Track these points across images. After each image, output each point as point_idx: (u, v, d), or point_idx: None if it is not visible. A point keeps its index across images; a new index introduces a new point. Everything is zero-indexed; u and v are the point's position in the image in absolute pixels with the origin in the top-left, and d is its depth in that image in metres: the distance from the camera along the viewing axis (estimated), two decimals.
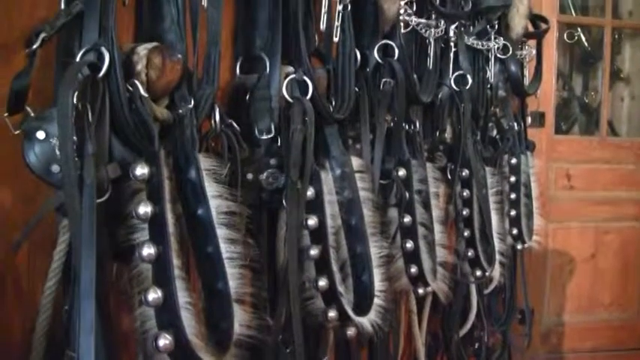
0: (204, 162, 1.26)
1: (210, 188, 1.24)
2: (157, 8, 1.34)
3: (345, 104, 1.68)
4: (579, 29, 4.15)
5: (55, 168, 1.12)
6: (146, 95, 1.20)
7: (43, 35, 1.15)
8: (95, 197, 1.08)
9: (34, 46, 1.14)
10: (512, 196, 2.58)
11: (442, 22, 2.14)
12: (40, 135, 1.13)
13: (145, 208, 1.16)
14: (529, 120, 2.91)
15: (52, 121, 1.12)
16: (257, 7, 1.58)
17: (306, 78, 1.53)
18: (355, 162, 1.66)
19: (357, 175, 1.64)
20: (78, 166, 1.07)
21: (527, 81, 2.78)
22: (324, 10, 1.60)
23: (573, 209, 3.60)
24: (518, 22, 2.51)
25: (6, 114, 1.15)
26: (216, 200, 1.24)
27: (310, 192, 1.53)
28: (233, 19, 1.61)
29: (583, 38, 4.18)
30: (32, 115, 1.15)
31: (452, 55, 2.25)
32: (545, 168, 3.46)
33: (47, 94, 1.22)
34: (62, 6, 1.20)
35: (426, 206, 1.96)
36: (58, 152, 1.10)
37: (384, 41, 1.88)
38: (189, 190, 1.25)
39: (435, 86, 2.13)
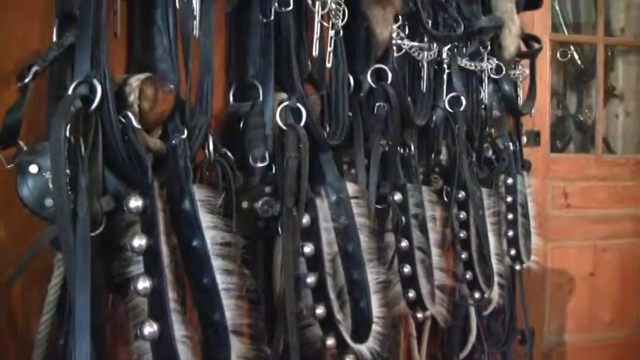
0: (199, 193, 1.25)
1: (205, 219, 1.24)
2: (148, 38, 1.34)
3: (339, 130, 1.68)
4: (572, 47, 4.17)
5: (49, 202, 1.12)
6: (139, 127, 1.20)
7: (35, 69, 1.15)
8: (89, 230, 1.07)
9: (26, 80, 1.14)
10: (510, 216, 2.57)
11: (435, 44, 2.14)
12: (33, 169, 1.12)
13: (139, 241, 1.15)
14: (524, 139, 2.92)
15: (44, 154, 1.12)
16: (249, 35, 1.58)
17: (299, 105, 1.53)
18: (351, 188, 1.65)
19: (352, 201, 1.64)
20: (71, 199, 1.07)
21: (521, 100, 2.79)
22: (316, 36, 1.60)
23: (571, 228, 3.59)
24: (511, 42, 2.52)
25: None
26: (211, 231, 1.24)
27: (306, 219, 1.53)
28: (225, 47, 1.61)
29: (576, 56, 4.20)
30: (25, 149, 1.15)
31: (445, 76, 2.25)
32: (542, 187, 3.46)
33: (40, 126, 1.22)
34: (54, 38, 1.20)
35: (423, 230, 1.95)
36: (51, 186, 1.10)
37: (377, 65, 1.88)
38: (183, 222, 1.24)
39: (429, 109, 2.13)
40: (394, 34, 1.92)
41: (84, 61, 1.16)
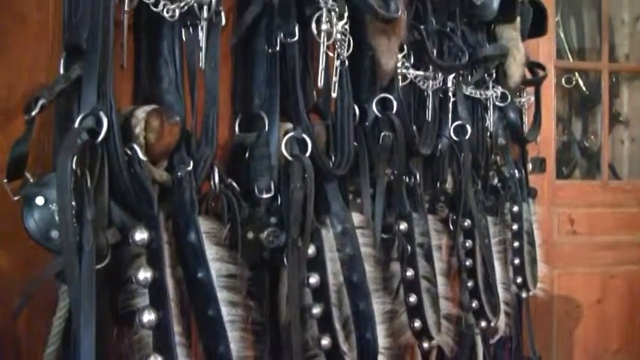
0: (204, 224, 1.25)
1: (211, 251, 1.24)
2: (155, 70, 1.35)
3: (344, 160, 1.67)
4: (577, 73, 4.18)
5: (55, 234, 1.11)
6: (145, 159, 1.20)
7: (41, 102, 1.15)
8: (94, 263, 1.07)
9: (33, 113, 1.15)
10: (515, 244, 2.57)
11: (440, 73, 2.15)
12: (40, 201, 1.12)
13: (144, 274, 1.15)
14: (530, 166, 2.92)
15: (51, 186, 1.12)
16: (255, 65, 1.59)
17: (305, 135, 1.53)
18: (356, 218, 1.65)
19: (358, 231, 1.63)
20: (77, 232, 1.07)
21: (526, 128, 2.80)
22: (321, 66, 1.60)
23: (577, 254, 3.58)
24: (516, 70, 2.53)
25: (5, 180, 1.15)
26: (216, 263, 1.24)
27: (311, 250, 1.52)
28: (231, 78, 1.62)
29: (581, 82, 4.21)
30: (31, 181, 1.15)
31: (450, 105, 2.26)
32: (548, 213, 3.46)
33: (46, 158, 1.23)
34: (61, 70, 1.21)
35: (428, 259, 1.95)
36: (57, 218, 1.10)
37: (382, 95, 1.88)
38: (189, 254, 1.24)
39: (434, 138, 2.13)
40: (399, 64, 1.93)
41: (90, 94, 1.16)
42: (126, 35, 1.30)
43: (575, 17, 4.22)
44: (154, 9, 1.27)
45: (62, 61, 1.21)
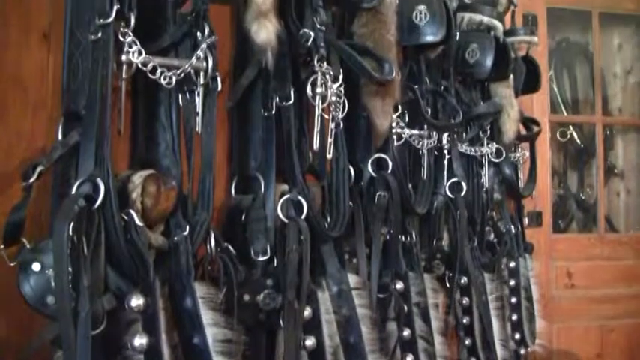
0: (200, 289, 1.26)
1: (207, 316, 1.24)
2: (152, 135, 1.37)
3: (340, 221, 1.68)
4: (571, 127, 4.21)
5: (51, 299, 1.12)
6: (141, 225, 1.21)
7: (40, 169, 1.17)
8: (90, 329, 1.08)
9: (31, 180, 1.16)
10: (513, 300, 2.55)
11: (434, 132, 2.17)
12: (36, 267, 1.13)
13: (140, 340, 1.15)
14: (526, 221, 2.92)
15: (47, 252, 1.13)
16: (251, 128, 1.61)
17: (300, 198, 1.54)
18: (352, 279, 1.65)
19: (354, 292, 1.63)
20: (73, 297, 1.07)
21: (522, 183, 2.81)
22: (316, 129, 1.61)
23: (576, 308, 3.56)
24: (510, 127, 2.55)
25: (2, 246, 1.16)
26: (212, 328, 1.24)
27: (307, 311, 1.52)
28: (228, 140, 1.63)
29: (575, 136, 4.24)
30: (28, 246, 1.16)
31: (445, 162, 2.28)
32: (545, 267, 3.45)
33: (44, 223, 1.24)
34: (60, 136, 1.22)
35: (425, 318, 1.94)
36: (53, 284, 1.10)
37: (377, 155, 1.89)
38: (185, 319, 1.24)
39: (429, 197, 2.14)
40: (394, 123, 1.94)
41: (88, 160, 1.17)
42: (123, 101, 1.32)
43: (567, 71, 4.28)
44: (152, 76, 1.28)
45: (60, 127, 1.23)
